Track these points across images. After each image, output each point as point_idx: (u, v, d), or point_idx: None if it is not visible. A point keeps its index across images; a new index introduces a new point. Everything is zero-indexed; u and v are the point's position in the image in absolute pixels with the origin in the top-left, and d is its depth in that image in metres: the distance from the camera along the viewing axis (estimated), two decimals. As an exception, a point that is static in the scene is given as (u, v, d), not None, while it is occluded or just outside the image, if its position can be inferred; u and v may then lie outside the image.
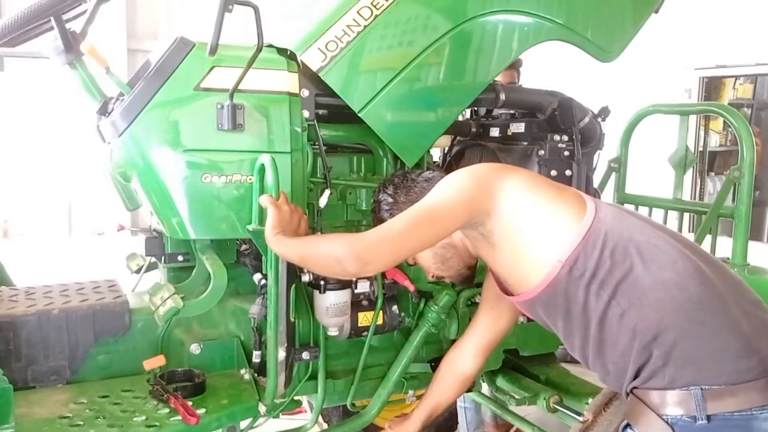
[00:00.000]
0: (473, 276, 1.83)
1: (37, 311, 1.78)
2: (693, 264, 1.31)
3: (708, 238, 2.47)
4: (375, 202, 1.76)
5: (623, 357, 1.30)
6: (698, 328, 1.25)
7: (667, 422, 1.23)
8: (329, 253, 1.48)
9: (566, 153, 2.16)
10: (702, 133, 5.19)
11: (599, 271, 1.31)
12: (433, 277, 1.84)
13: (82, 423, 1.58)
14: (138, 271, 2.15)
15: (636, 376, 1.29)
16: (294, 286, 1.80)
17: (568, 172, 2.15)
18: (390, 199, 1.70)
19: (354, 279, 1.89)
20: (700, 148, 5.12)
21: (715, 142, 5.48)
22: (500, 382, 2.27)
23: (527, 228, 1.42)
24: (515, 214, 1.42)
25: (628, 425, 1.32)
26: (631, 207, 2.72)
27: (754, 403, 1.21)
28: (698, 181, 5.11)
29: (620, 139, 2.85)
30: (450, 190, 1.47)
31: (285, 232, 1.55)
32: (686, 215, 2.85)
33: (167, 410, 1.65)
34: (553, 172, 2.12)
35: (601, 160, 2.50)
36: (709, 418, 1.21)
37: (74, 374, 1.81)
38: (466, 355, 1.84)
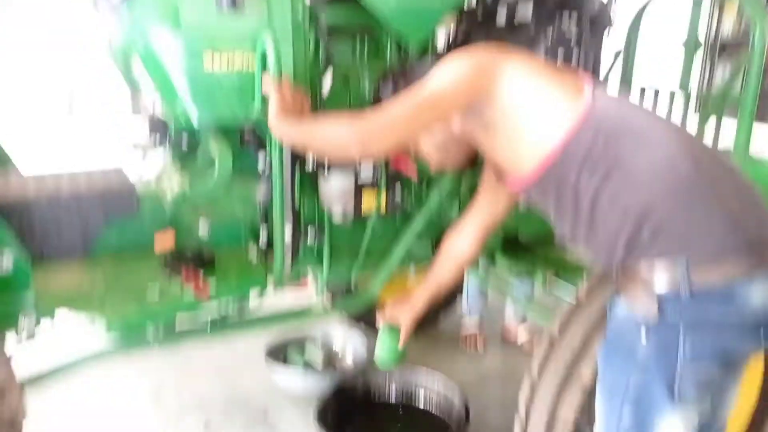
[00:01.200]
0: (474, 163, 1.86)
1: (49, 194, 1.84)
2: (685, 147, 1.34)
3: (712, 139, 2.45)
4: (377, 88, 1.76)
5: (614, 236, 1.34)
6: (687, 206, 1.29)
7: (653, 293, 1.29)
8: (331, 135, 1.50)
9: (573, 38, 2.12)
10: (715, 19, 5.02)
11: (592, 154, 1.34)
12: (434, 166, 1.88)
13: (98, 292, 1.68)
14: (144, 156, 2.18)
15: (625, 253, 1.34)
16: (298, 170, 1.84)
17: (574, 58, 2.12)
18: (391, 85, 1.70)
19: (357, 164, 1.93)
20: (712, 38, 4.97)
21: (728, 31, 5.30)
22: (499, 259, 2.35)
23: (524, 113, 1.43)
24: (512, 100, 1.43)
25: (617, 297, 1.39)
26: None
27: (737, 274, 1.26)
28: (708, 69, 4.98)
29: (629, 26, 2.77)
30: (449, 73, 1.46)
31: (288, 115, 1.57)
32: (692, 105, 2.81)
33: (179, 283, 1.74)
34: (560, 58, 2.09)
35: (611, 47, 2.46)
36: (693, 288, 1.26)
37: (88, 251, 1.89)
38: (465, 238, 1.89)
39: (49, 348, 1.95)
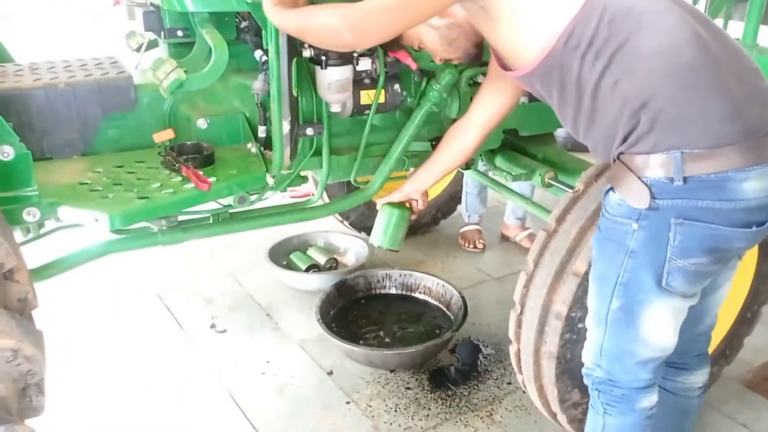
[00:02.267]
0: (481, 54, 1.82)
1: (43, 84, 1.81)
2: (691, 29, 1.29)
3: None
4: None
5: (613, 125, 1.33)
6: (686, 92, 1.26)
7: (645, 183, 1.29)
8: (324, 23, 1.46)
9: None
10: None
11: (595, 41, 1.30)
12: (440, 60, 1.84)
13: (101, 188, 1.68)
14: (138, 50, 2.13)
15: (623, 142, 1.32)
16: (295, 60, 1.80)
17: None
18: None
19: (355, 56, 1.88)
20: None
21: None
22: (498, 160, 2.35)
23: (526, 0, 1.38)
24: None
25: (611, 188, 1.38)
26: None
27: (731, 165, 1.24)
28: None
29: None
30: None
31: (283, 3, 1.52)
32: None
33: (180, 178, 1.74)
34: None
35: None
36: (686, 179, 1.25)
37: (87, 147, 1.89)
38: (468, 128, 1.91)
39: (55, 247, 1.97)
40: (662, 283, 1.35)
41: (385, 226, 2.07)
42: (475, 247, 3.39)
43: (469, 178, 3.31)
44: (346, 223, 3.33)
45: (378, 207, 2.09)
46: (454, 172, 2.39)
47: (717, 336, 2.10)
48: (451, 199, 3.49)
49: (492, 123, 1.89)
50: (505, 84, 1.80)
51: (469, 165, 2.28)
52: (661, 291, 1.36)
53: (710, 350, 2.08)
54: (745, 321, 2.10)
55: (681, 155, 1.25)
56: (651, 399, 1.52)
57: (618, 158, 1.35)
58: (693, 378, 1.72)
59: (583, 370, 1.57)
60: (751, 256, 1.99)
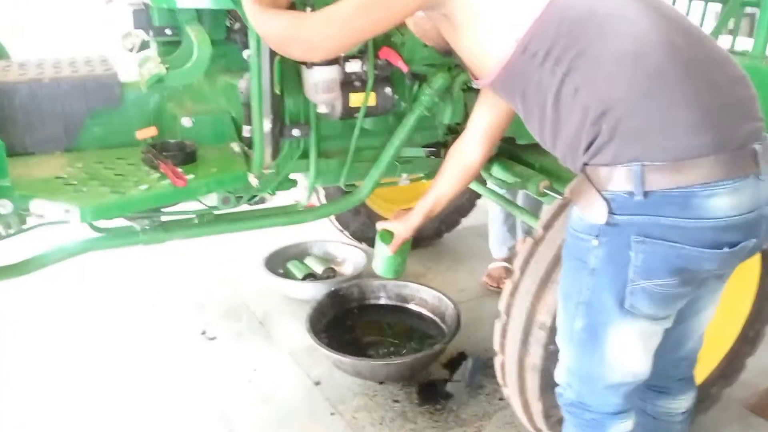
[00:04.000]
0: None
1: (28, 79, 1.80)
2: (661, 35, 1.20)
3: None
4: None
5: (576, 135, 1.25)
6: (649, 101, 1.17)
7: (605, 197, 1.20)
8: (274, 32, 1.42)
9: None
10: None
11: (554, 48, 1.23)
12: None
13: (76, 183, 1.65)
14: (132, 50, 2.12)
15: (586, 156, 1.24)
16: (278, 58, 1.77)
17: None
18: None
19: (342, 56, 1.85)
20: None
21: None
22: (494, 169, 2.29)
23: (486, 8, 1.32)
24: None
25: (574, 204, 1.30)
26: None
27: (696, 179, 1.14)
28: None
29: None
30: None
31: (261, 2, 1.46)
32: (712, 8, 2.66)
33: (158, 175, 1.71)
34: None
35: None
36: (647, 194, 1.16)
37: (71, 143, 1.87)
38: (470, 144, 1.80)
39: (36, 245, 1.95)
40: (625, 305, 1.25)
41: (381, 255, 1.99)
42: (498, 286, 3.04)
43: (492, 206, 3.10)
44: (347, 233, 3.29)
45: (377, 228, 2.00)
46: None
47: (716, 355, 2.01)
48: (455, 211, 3.42)
49: (493, 134, 1.79)
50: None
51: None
52: (625, 313, 1.26)
53: (709, 370, 2.00)
54: (747, 340, 2.00)
55: (641, 168, 1.16)
56: (625, 425, 1.41)
57: (583, 170, 1.27)
58: (674, 403, 1.58)
59: (556, 390, 1.49)
60: (753, 272, 1.90)
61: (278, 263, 3.06)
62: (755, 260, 1.87)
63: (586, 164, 1.25)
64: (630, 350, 1.32)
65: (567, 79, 1.23)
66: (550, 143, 1.36)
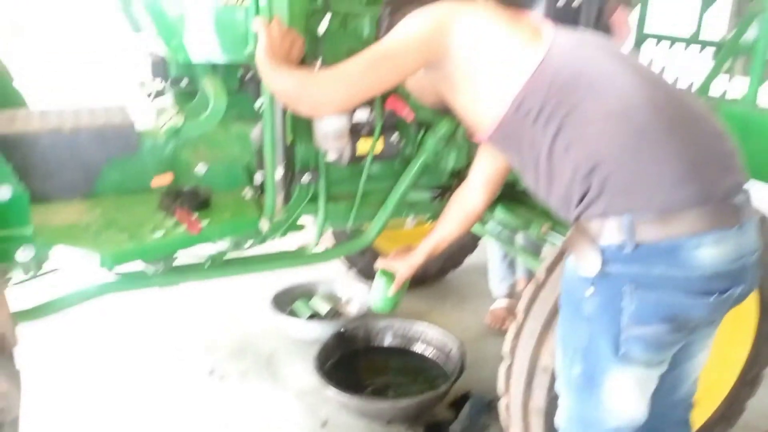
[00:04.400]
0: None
1: (49, 129, 1.88)
2: (643, 92, 1.28)
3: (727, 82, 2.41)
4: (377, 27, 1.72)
5: (569, 188, 1.32)
6: (635, 157, 1.24)
7: (598, 249, 1.26)
8: (283, 90, 1.50)
9: (577, -19, 2.07)
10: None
11: (546, 106, 1.31)
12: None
13: (95, 229, 1.72)
14: (145, 94, 2.21)
15: (578, 209, 1.31)
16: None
17: (576, 2, 2.07)
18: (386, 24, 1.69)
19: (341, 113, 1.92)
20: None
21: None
22: (498, 211, 2.35)
23: (481, 70, 1.41)
24: (469, 56, 1.41)
25: (569, 253, 1.37)
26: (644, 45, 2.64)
27: (683, 230, 1.21)
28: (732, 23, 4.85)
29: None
30: (406, 30, 1.45)
31: (274, 57, 1.54)
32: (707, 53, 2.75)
33: (173, 221, 1.78)
34: (560, 2, 2.05)
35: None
36: (637, 245, 1.22)
37: (89, 190, 1.94)
38: (472, 189, 1.87)
39: (51, 288, 2.00)
40: (619, 352, 1.30)
41: (378, 292, 2.03)
42: (502, 326, 3.07)
43: (491, 243, 3.15)
44: (354, 270, 3.34)
45: (377, 265, 2.05)
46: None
47: (716, 398, 2.04)
48: (460, 249, 3.47)
49: (495, 181, 1.86)
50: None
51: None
52: (620, 359, 1.31)
53: (709, 412, 2.03)
54: (746, 383, 2.03)
55: (631, 220, 1.23)
56: None
57: (576, 222, 1.34)
58: None
59: None
60: (751, 315, 1.94)
61: (285, 302, 3.10)
62: (752, 304, 1.92)
63: (578, 216, 1.32)
64: (626, 396, 1.37)
65: (559, 136, 1.31)
66: (544, 195, 1.44)
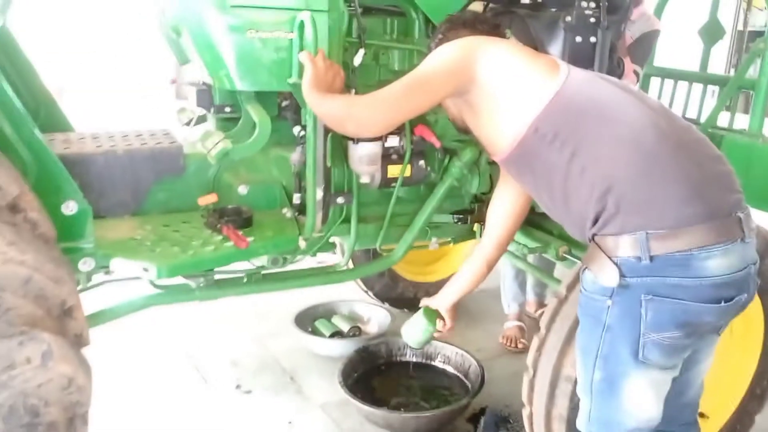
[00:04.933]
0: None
1: (104, 150, 2.02)
2: (650, 120, 1.44)
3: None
4: None
5: (584, 208, 1.46)
6: (647, 178, 1.39)
7: (615, 263, 1.41)
8: (331, 112, 1.67)
9: (592, 20, 2.23)
10: (743, 9, 5.07)
11: (562, 131, 1.47)
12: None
13: (149, 243, 1.85)
14: (188, 123, 2.35)
15: (594, 224, 1.45)
16: (330, 135, 2.00)
17: (593, 39, 2.22)
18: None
19: (383, 133, 2.07)
20: (740, 27, 5.02)
21: (762, 22, 5.32)
22: (517, 235, 2.47)
23: (501, 95, 1.57)
24: (491, 82, 1.58)
25: (586, 268, 1.51)
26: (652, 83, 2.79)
27: (693, 244, 1.36)
28: (735, 59, 5.03)
29: (654, 9, 2.88)
30: (440, 59, 1.62)
31: (319, 87, 1.71)
32: (711, 90, 2.91)
33: (221, 237, 1.91)
34: (578, 39, 2.20)
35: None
36: (652, 258, 1.37)
37: (138, 208, 2.07)
38: (490, 245, 2.01)
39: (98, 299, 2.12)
40: (639, 356, 1.44)
41: (420, 327, 2.12)
42: (516, 346, 3.21)
43: (503, 262, 3.25)
44: (371, 293, 3.46)
45: (421, 304, 2.16)
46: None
47: (725, 412, 2.14)
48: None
49: (506, 235, 2.01)
50: (513, 191, 1.93)
51: None
52: (639, 363, 1.45)
53: (719, 427, 2.15)
54: (754, 397, 2.14)
55: (646, 235, 1.37)
56: None
57: (592, 239, 1.48)
58: None
59: None
60: (757, 330, 2.06)
61: (307, 321, 3.21)
62: (759, 318, 2.04)
63: (594, 234, 1.47)
64: (644, 397, 1.50)
65: (575, 159, 1.46)
66: (559, 214, 1.59)
